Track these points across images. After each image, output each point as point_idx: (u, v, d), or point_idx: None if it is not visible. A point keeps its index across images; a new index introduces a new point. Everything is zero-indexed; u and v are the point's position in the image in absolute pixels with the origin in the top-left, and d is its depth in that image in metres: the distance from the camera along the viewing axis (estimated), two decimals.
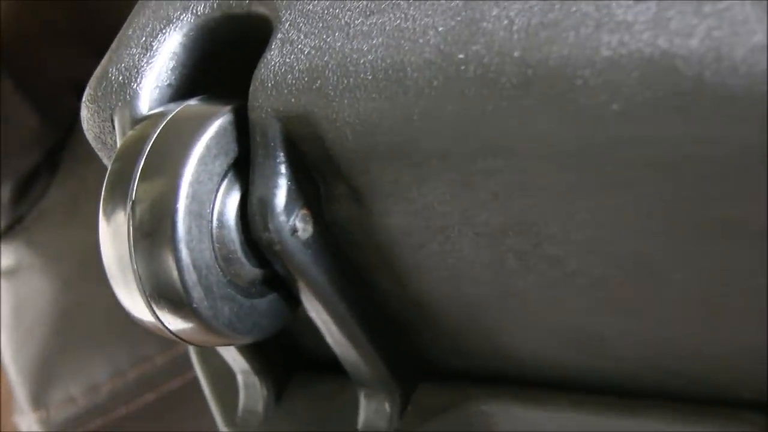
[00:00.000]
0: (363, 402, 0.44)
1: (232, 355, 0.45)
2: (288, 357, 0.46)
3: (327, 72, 0.37)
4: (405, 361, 0.44)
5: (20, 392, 0.69)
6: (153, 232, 0.36)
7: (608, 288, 0.37)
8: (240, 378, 0.46)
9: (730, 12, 0.30)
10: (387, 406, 0.44)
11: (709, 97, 0.29)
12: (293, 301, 0.41)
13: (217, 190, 0.38)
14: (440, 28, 0.36)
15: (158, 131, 0.37)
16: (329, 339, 0.42)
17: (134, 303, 0.38)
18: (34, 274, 0.72)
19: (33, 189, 0.77)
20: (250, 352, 0.45)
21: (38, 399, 0.68)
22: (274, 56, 0.38)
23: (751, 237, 0.31)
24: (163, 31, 0.41)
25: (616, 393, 0.41)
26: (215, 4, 0.42)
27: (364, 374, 0.43)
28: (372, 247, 0.40)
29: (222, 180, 0.38)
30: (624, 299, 0.36)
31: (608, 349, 0.40)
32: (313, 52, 0.38)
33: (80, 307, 0.68)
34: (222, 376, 0.47)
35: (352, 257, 0.41)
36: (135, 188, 0.36)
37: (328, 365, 0.44)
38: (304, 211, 0.38)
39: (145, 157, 0.37)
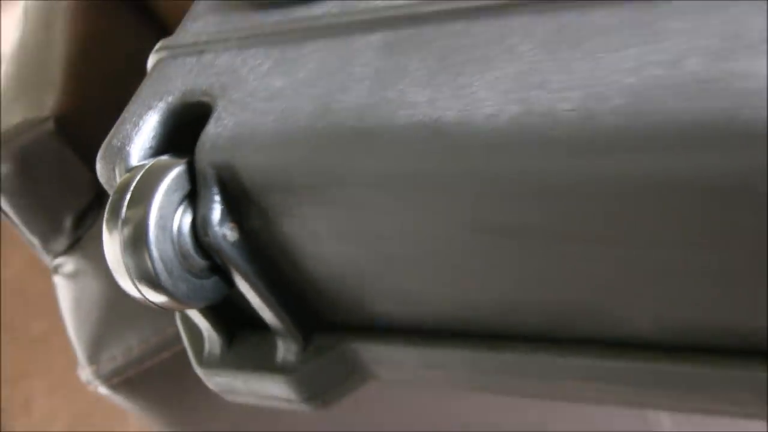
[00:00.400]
0: (279, 345, 0.46)
1: (197, 317, 0.47)
2: (234, 317, 0.48)
3: (241, 139, 0.40)
4: (304, 316, 0.46)
5: (80, 353, 0.70)
6: (135, 239, 0.39)
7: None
8: (204, 332, 0.49)
9: None
10: (293, 347, 0.46)
11: None
12: (229, 281, 0.43)
13: (176, 212, 0.41)
14: (305, 112, 0.39)
15: (139, 176, 0.41)
16: (253, 304, 0.44)
17: (127, 285, 0.41)
18: (87, 277, 0.73)
19: (87, 219, 0.78)
20: (209, 315, 0.47)
21: (92, 357, 0.70)
22: (210, 129, 0.41)
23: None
24: (147, 114, 0.44)
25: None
26: (179, 96, 0.44)
27: (277, 327, 0.45)
28: (275, 244, 0.42)
29: (179, 205, 0.41)
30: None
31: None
32: (233, 126, 0.41)
33: (118, 297, 0.70)
34: (194, 331, 0.49)
35: (263, 250, 0.43)
36: (124, 212, 0.40)
37: (259, 323, 0.46)
38: (231, 224, 0.41)
39: (131, 191, 0.40)
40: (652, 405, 0.45)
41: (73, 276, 0.78)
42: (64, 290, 0.77)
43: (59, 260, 0.81)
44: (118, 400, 0.70)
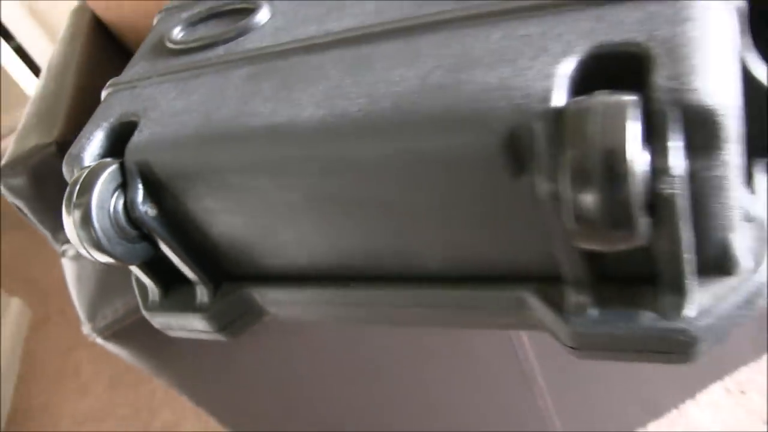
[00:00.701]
0: (197, 292, 0.49)
1: (142, 275, 0.49)
2: (169, 274, 0.49)
3: (153, 144, 0.44)
4: (214, 270, 0.48)
5: (81, 315, 0.71)
6: (83, 217, 0.42)
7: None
8: (148, 286, 0.51)
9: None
10: (207, 293, 0.48)
11: None
12: (154, 245, 0.46)
13: (112, 197, 0.44)
14: (194, 123, 0.43)
15: (86, 173, 0.43)
16: (174, 262, 0.47)
17: (81, 250, 0.43)
18: (85, 259, 0.76)
19: None
20: (149, 272, 0.49)
21: (90, 317, 0.71)
22: (134, 138, 0.44)
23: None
24: (96, 131, 0.47)
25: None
26: (117, 117, 0.47)
27: (194, 279, 0.48)
28: (184, 216, 0.45)
29: (114, 192, 0.44)
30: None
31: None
32: (148, 135, 0.44)
33: (107, 273, 0.72)
34: (142, 286, 0.51)
35: (176, 221, 0.45)
36: (75, 198, 0.43)
37: (185, 277, 0.49)
38: (151, 204, 0.45)
39: (80, 184, 0.43)
40: (449, 323, 0.46)
41: (75, 258, 0.79)
42: (69, 269, 0.79)
43: (65, 247, 0.82)
44: (112, 347, 0.72)
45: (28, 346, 1.99)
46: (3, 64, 2.52)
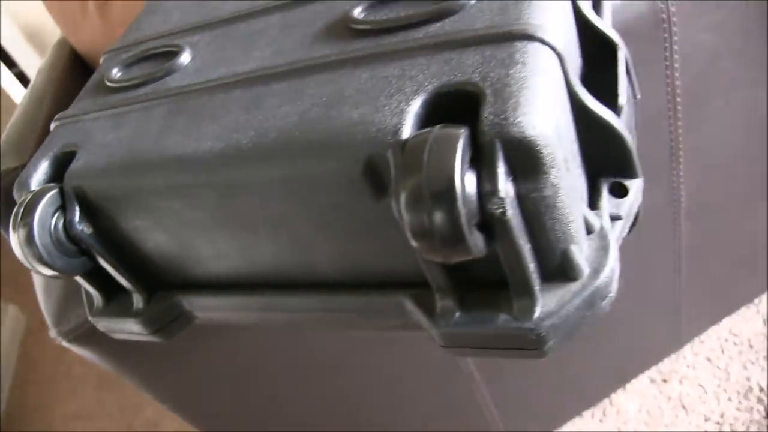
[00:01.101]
0: (134, 299, 0.51)
1: (87, 285, 0.51)
2: (110, 283, 0.51)
3: (87, 171, 0.46)
4: (148, 279, 0.50)
5: (48, 320, 0.72)
6: (27, 236, 0.44)
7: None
8: (93, 294, 0.53)
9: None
10: (141, 300, 0.50)
11: None
12: (92, 258, 0.48)
13: (53, 217, 0.46)
14: (120, 153, 0.45)
15: (30, 197, 0.45)
16: (111, 274, 0.49)
17: (26, 264, 0.45)
18: None
19: None
20: (92, 282, 0.51)
21: (56, 322, 0.72)
22: (72, 166, 0.47)
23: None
24: (42, 159, 0.49)
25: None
26: (60, 147, 0.50)
27: (130, 288, 0.50)
28: (117, 233, 0.47)
29: (55, 213, 0.46)
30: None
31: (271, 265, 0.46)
32: (83, 163, 0.47)
33: (70, 283, 0.74)
34: (89, 294, 0.53)
35: (110, 237, 0.47)
36: (19, 219, 0.45)
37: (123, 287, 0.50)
38: (87, 222, 0.47)
39: (24, 206, 0.45)
40: (348, 327, 0.48)
41: None
42: (36, 279, 0.81)
43: None
44: (77, 350, 0.74)
45: (24, 350, 2.00)
46: (5, 89, 2.53)
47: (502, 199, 0.32)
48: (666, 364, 1.11)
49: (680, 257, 0.94)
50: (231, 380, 0.80)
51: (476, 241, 0.32)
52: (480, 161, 0.32)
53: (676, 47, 0.72)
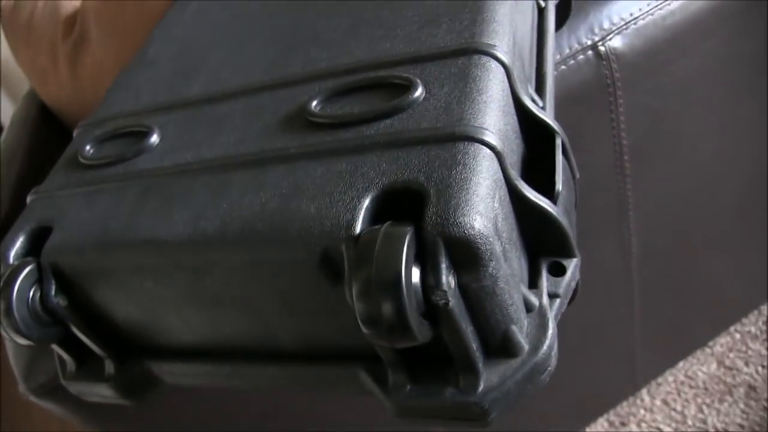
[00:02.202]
0: (106, 364, 0.53)
1: (61, 351, 0.54)
2: (82, 349, 0.54)
3: (62, 248, 0.49)
4: (119, 346, 0.53)
5: (17, 375, 0.73)
6: (6, 309, 0.47)
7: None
8: (66, 359, 0.55)
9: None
10: (113, 365, 0.53)
11: None
12: (66, 327, 0.51)
13: (30, 290, 0.48)
14: (94, 232, 0.48)
15: (8, 272, 0.48)
16: (84, 341, 0.52)
17: (5, 335, 0.48)
18: None
19: None
20: (67, 348, 0.53)
21: (24, 377, 0.73)
22: (48, 242, 0.50)
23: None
24: (18, 234, 0.52)
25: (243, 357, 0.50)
26: (36, 222, 0.53)
27: (102, 354, 0.53)
28: (90, 305, 0.50)
29: (32, 286, 0.49)
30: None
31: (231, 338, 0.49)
32: (59, 241, 0.50)
33: None
34: (62, 359, 0.55)
35: (84, 308, 0.50)
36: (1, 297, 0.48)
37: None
38: (62, 296, 0.50)
39: (3, 279, 0.48)
40: (308, 391, 0.52)
41: None
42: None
43: None
44: (46, 405, 0.75)
45: None
46: None
47: (444, 291, 0.36)
48: (624, 407, 1.15)
49: (633, 304, 0.98)
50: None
51: (421, 329, 0.36)
52: (424, 256, 0.36)
53: (621, 109, 0.77)
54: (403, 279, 0.34)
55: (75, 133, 0.60)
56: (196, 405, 0.78)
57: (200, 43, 0.61)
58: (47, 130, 0.99)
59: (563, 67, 0.70)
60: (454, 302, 0.36)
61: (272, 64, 0.53)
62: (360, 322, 0.36)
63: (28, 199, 0.56)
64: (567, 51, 0.71)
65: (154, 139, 0.52)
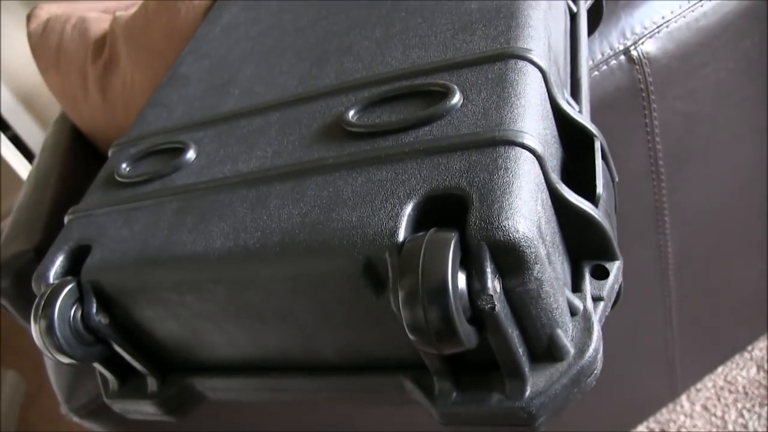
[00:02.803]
0: (148, 382, 0.54)
1: (103, 370, 0.54)
2: (125, 367, 0.54)
3: (103, 266, 0.49)
4: (161, 363, 0.53)
5: (59, 396, 0.74)
6: (47, 328, 0.47)
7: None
8: (108, 378, 0.55)
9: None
10: (155, 383, 0.53)
11: None
12: (109, 346, 0.51)
13: (71, 309, 0.49)
14: (134, 250, 0.48)
15: (49, 291, 0.48)
16: (127, 359, 0.52)
17: (47, 353, 0.48)
18: None
19: None
20: (109, 367, 0.54)
21: (66, 398, 0.74)
22: (88, 261, 0.50)
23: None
24: (58, 254, 0.52)
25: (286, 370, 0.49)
26: (75, 242, 0.53)
27: (144, 372, 0.53)
28: (132, 322, 0.50)
29: (73, 305, 0.49)
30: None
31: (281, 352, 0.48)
32: (99, 259, 0.50)
33: None
34: (104, 378, 0.56)
35: (125, 326, 0.50)
36: (40, 311, 0.48)
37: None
38: (103, 314, 0.50)
39: (44, 299, 0.48)
40: (350, 404, 0.51)
41: None
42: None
43: None
44: (89, 425, 0.76)
45: (24, 414, 2.02)
46: (2, 153, 2.57)
47: (490, 296, 0.35)
48: (663, 414, 1.14)
49: (671, 310, 0.97)
50: None
51: (468, 334, 0.36)
52: (469, 261, 0.36)
53: (655, 114, 0.76)
54: (450, 285, 0.34)
55: (110, 153, 0.60)
56: (237, 419, 0.78)
57: (231, 59, 0.62)
58: (80, 154, 1.00)
59: (596, 72, 0.70)
60: (500, 307, 0.36)
61: (305, 76, 0.53)
62: (407, 330, 0.35)
63: (66, 219, 0.56)
64: (599, 56, 0.70)
65: (191, 154, 0.52)
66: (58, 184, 0.88)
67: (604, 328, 0.43)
